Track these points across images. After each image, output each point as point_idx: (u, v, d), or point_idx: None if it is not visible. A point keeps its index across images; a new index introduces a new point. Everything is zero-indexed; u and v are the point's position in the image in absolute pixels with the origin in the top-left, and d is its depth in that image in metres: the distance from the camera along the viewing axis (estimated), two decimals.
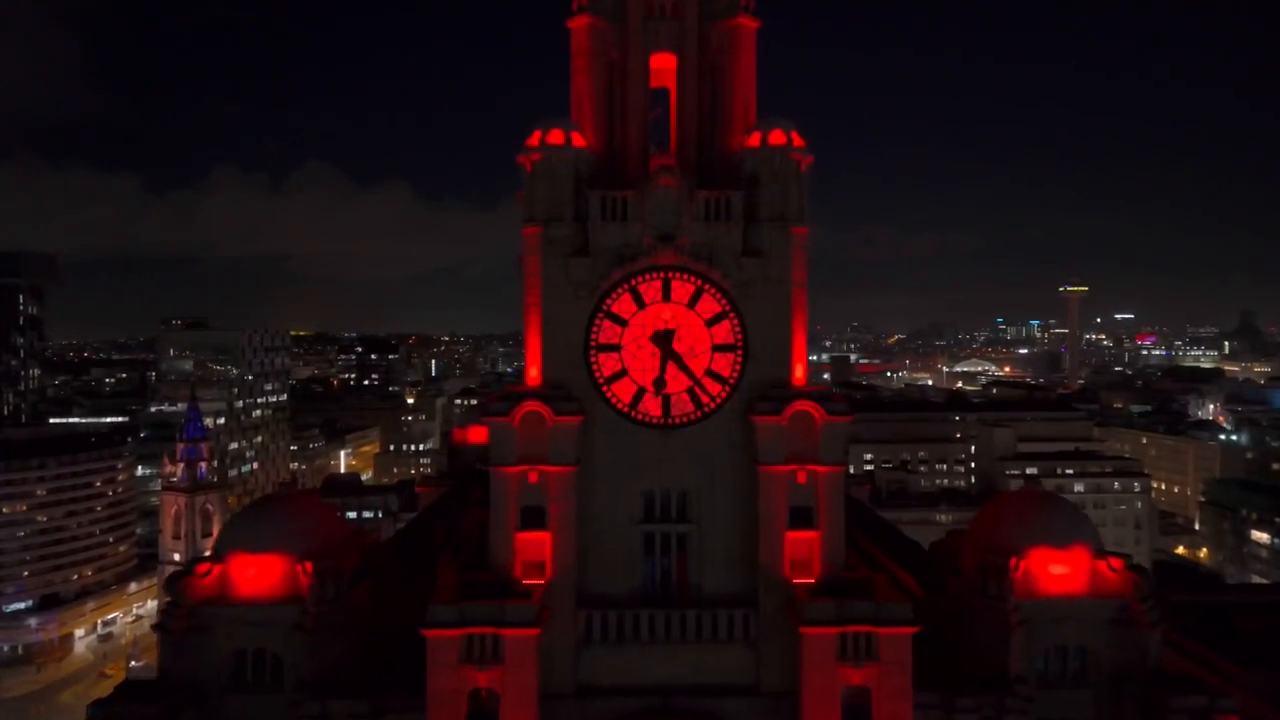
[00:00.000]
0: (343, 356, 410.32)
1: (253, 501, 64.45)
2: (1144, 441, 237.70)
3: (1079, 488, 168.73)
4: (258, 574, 49.61)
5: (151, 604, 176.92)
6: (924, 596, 55.43)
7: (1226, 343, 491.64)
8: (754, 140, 47.46)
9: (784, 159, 46.93)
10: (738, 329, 46.96)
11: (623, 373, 47.08)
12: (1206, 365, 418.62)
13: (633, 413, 47.04)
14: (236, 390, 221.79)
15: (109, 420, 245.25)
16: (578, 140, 47.53)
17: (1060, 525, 52.15)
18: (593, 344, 46.99)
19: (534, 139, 47.21)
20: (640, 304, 47.05)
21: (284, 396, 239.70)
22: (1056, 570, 50.63)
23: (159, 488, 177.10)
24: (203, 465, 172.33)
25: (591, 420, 46.71)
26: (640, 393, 47.09)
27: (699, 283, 46.92)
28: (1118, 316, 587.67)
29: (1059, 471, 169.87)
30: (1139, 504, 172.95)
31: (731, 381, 47.03)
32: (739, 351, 47.01)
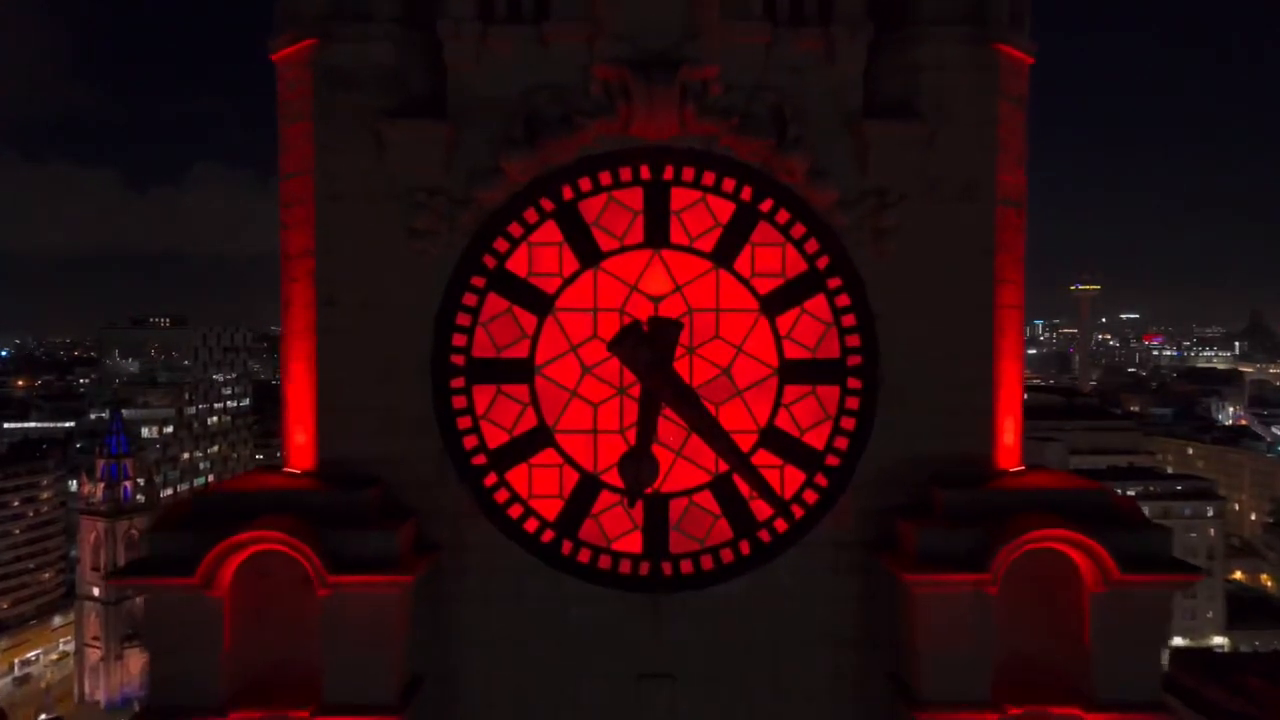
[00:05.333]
0: None
1: None
2: (1190, 452, 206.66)
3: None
4: None
5: None
6: None
7: (1237, 343, 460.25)
8: None
9: None
10: (850, 318, 16.74)
11: (539, 435, 16.74)
12: (1221, 366, 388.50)
13: (565, 546, 16.82)
14: (189, 395, 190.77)
15: (65, 426, 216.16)
16: None
17: None
18: (455, 360, 16.66)
19: None
20: (587, 249, 16.67)
21: (246, 401, 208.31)
22: None
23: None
24: (127, 485, 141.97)
25: (456, 574, 16.51)
26: (587, 489, 16.75)
27: (748, 192, 16.60)
28: (1123, 316, 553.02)
29: (1119, 493, 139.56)
30: (1211, 530, 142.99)
31: (831, 460, 16.81)
32: (854, 379, 16.86)
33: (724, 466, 16.56)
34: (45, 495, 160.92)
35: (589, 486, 16.61)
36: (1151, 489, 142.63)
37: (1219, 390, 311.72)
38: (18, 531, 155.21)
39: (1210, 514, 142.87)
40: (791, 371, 16.71)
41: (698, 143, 16.29)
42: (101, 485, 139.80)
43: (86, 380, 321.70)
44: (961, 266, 16.49)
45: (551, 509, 16.63)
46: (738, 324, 16.82)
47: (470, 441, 16.48)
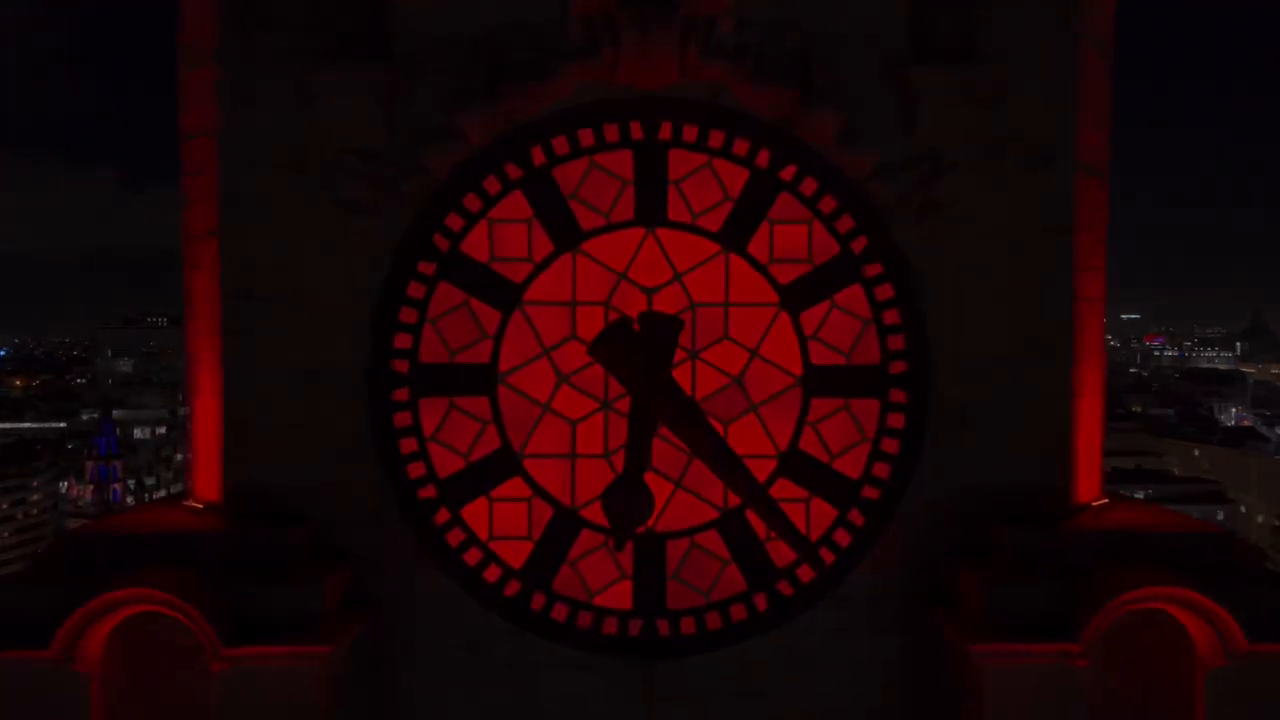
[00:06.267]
0: None
1: None
2: (1196, 454, 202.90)
3: None
4: None
5: None
6: None
7: (1238, 343, 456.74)
8: None
9: None
10: (893, 314, 13.32)
11: (502, 460, 13.39)
12: (1223, 367, 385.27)
13: (536, 599, 13.48)
14: (183, 395, 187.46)
15: (59, 426, 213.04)
16: None
17: None
18: (398, 366, 13.25)
19: None
20: (563, 227, 13.30)
21: None
22: None
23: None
24: (116, 487, 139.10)
25: (398, 636, 13.12)
26: (563, 528, 13.41)
27: (764, 156, 13.21)
28: (1123, 317, 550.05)
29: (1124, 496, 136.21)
30: None
31: (869, 492, 13.40)
32: (898, 390, 13.50)
33: (734, 500, 13.17)
34: (35, 497, 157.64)
35: (565, 525, 13.21)
36: (1160, 492, 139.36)
37: (1221, 391, 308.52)
38: (7, 534, 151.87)
39: (1220, 518, 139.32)
40: (819, 381, 13.31)
41: (702, 93, 12.90)
42: (90, 488, 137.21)
43: (84, 380, 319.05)
44: (1032, 249, 13.11)
45: (519, 553, 13.23)
46: (752, 321, 13.41)
47: (416, 469, 13.09)
